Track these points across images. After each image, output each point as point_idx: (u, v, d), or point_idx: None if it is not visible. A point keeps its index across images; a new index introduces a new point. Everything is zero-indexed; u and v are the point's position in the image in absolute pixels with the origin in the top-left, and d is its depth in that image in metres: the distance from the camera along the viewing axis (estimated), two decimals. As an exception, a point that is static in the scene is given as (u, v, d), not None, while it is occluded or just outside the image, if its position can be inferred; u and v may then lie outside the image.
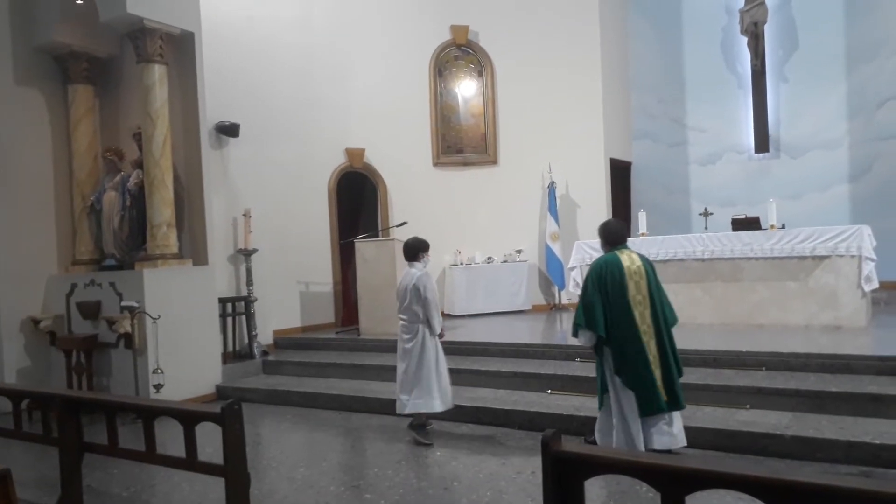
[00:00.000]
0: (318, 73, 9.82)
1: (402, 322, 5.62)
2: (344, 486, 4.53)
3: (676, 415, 4.61)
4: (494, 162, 11.01)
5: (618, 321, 4.53)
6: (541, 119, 10.74)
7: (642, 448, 4.47)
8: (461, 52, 11.06)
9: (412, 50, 10.70)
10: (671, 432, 4.55)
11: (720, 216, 9.84)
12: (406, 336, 5.56)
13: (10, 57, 7.58)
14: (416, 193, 10.41)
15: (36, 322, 7.44)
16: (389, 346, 7.97)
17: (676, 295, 7.85)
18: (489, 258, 10.65)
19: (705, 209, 9.60)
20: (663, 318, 4.63)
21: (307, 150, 9.65)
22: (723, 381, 5.57)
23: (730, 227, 8.32)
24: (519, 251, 10.70)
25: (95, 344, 7.16)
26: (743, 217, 8.34)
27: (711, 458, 4.57)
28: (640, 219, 9.05)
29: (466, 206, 10.81)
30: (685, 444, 4.60)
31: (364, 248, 8.73)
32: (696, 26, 11.89)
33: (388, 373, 7.20)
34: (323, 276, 9.79)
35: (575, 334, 4.70)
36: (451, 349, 7.51)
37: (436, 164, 10.88)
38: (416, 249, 5.67)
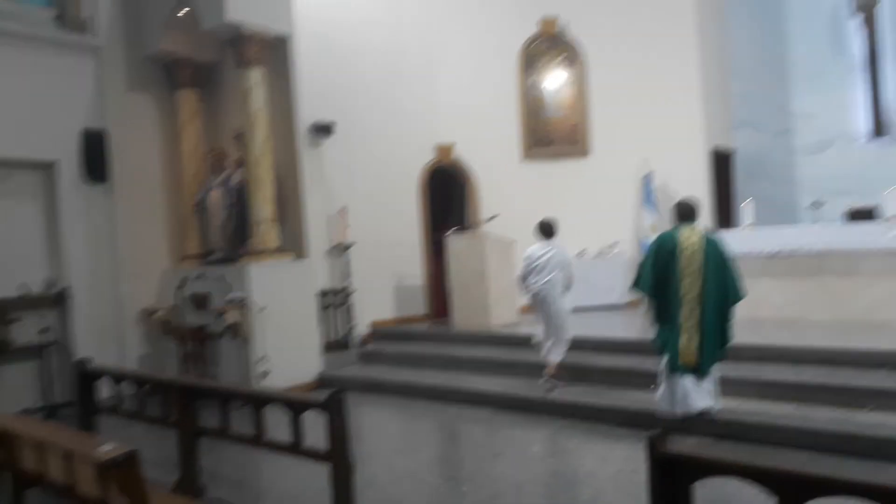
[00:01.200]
0: (407, 71, 9.96)
1: (543, 286, 6.46)
2: (442, 478, 4.62)
3: (710, 379, 5.07)
4: (586, 154, 10.83)
5: (663, 287, 5.12)
6: (634, 108, 10.46)
7: (677, 405, 5.08)
8: (550, 43, 10.94)
9: (500, 44, 10.66)
10: (702, 394, 5.04)
11: (831, 207, 9.28)
12: (551, 297, 6.45)
13: (124, 66, 8.12)
14: (505, 187, 10.38)
15: (152, 313, 7.99)
16: (481, 339, 8.10)
17: (785, 291, 7.57)
18: (582, 252, 10.50)
19: (816, 200, 9.07)
20: (718, 292, 5.00)
21: (398, 147, 9.81)
22: (840, 380, 5.29)
23: (842, 218, 7.85)
24: (613, 245, 10.49)
25: (206, 334, 7.59)
26: (859, 208, 7.85)
27: (831, 463, 4.36)
28: (746, 209, 8.67)
29: (557, 199, 10.65)
30: (716, 407, 5.08)
31: (455, 242, 8.82)
32: (799, 8, 11.23)
33: (481, 365, 7.31)
34: (415, 269, 9.95)
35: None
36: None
37: (525, 158, 10.83)
38: (554, 227, 6.70)
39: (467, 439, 5.62)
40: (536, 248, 6.63)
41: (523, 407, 6.13)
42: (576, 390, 6.23)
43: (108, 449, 2.92)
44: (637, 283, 5.33)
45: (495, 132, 10.56)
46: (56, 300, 7.54)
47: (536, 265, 6.52)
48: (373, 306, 9.31)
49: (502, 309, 8.58)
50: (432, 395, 6.86)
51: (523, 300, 9.26)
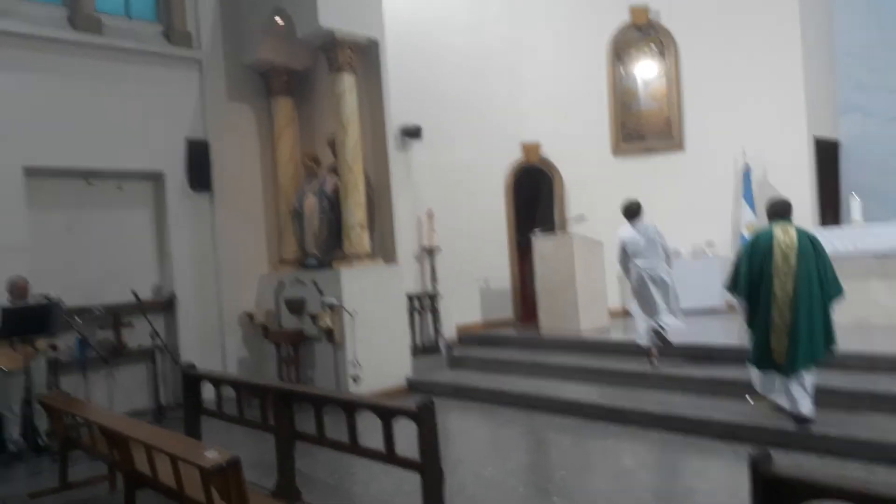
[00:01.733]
0: (491, 71, 9.96)
1: (650, 264, 6.87)
2: (532, 488, 4.60)
3: (805, 382, 4.98)
4: (680, 147, 10.46)
5: (757, 285, 5.10)
6: (732, 98, 9.99)
7: (790, 401, 5.03)
8: (641, 33, 10.62)
9: (587, 37, 10.46)
10: (800, 396, 4.98)
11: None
12: (654, 273, 6.85)
13: (224, 77, 8.55)
14: (593, 185, 10.17)
15: (251, 317, 8.37)
16: (570, 345, 7.98)
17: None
18: (675, 251, 10.14)
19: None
20: (813, 290, 4.92)
21: (484, 148, 9.84)
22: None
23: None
24: (709, 243, 10.09)
25: (301, 338, 7.87)
26: None
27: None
28: (852, 205, 8.12)
29: (649, 195, 10.16)
30: (808, 411, 4.95)
31: (541, 244, 8.72)
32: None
33: (570, 372, 7.21)
34: (501, 272, 9.95)
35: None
36: (635, 351, 7.34)
37: (615, 154, 10.58)
38: (641, 207, 7.01)
39: (556, 449, 5.57)
40: (629, 229, 6.99)
41: (614, 417, 6.01)
42: (670, 400, 6.05)
43: (213, 455, 3.09)
44: (731, 285, 5.35)
45: (583, 128, 10.38)
46: (164, 306, 8.05)
47: (637, 246, 6.88)
48: (460, 309, 9.39)
49: (592, 313, 8.42)
50: (520, 402, 6.83)
51: (612, 302, 9.19)
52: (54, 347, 6.76)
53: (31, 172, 7.14)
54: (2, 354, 6.12)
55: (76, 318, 6.77)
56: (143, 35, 8.11)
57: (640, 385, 6.58)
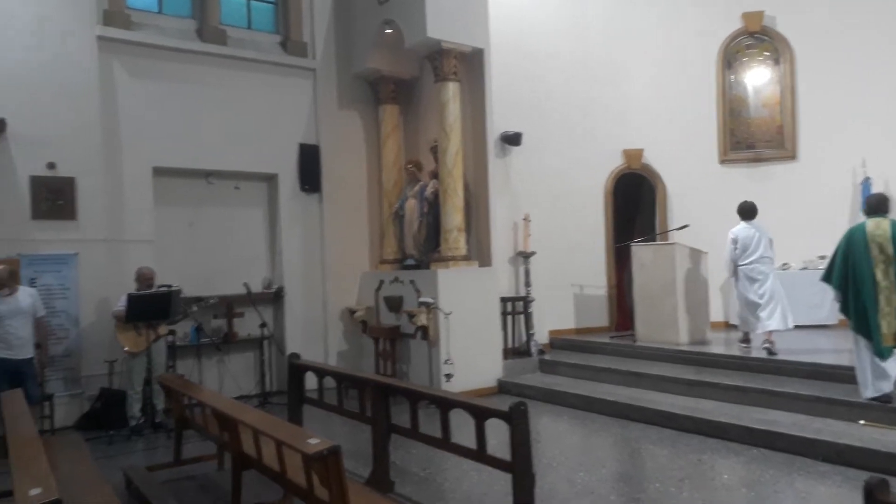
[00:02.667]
0: (593, 77, 9.80)
1: (759, 262, 7.29)
2: (624, 497, 4.49)
3: None
4: (793, 157, 9.89)
5: (855, 277, 5.41)
6: (851, 107, 9.35)
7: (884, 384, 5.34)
8: (754, 39, 10.15)
9: (696, 43, 10.08)
10: None
11: None
12: (764, 274, 7.27)
13: (335, 85, 8.89)
14: (698, 194, 9.79)
15: (352, 312, 8.64)
16: (667, 356, 7.72)
17: None
18: (785, 264, 9.61)
19: None
20: None
21: (583, 154, 9.69)
22: None
23: None
24: (822, 257, 9.45)
25: (398, 334, 8.05)
26: None
27: None
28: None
29: (758, 207, 9.88)
30: None
31: (641, 252, 8.46)
32: None
33: (666, 383, 6.98)
34: (597, 279, 9.76)
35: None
36: (739, 365, 7.04)
37: (722, 162, 10.13)
38: (756, 209, 7.47)
39: (650, 460, 5.39)
40: (744, 227, 7.40)
41: (713, 431, 5.76)
42: (773, 417, 5.73)
43: (315, 442, 3.21)
44: (825, 276, 5.74)
45: (689, 135, 10.02)
46: (273, 298, 8.45)
47: (749, 244, 7.29)
48: (553, 315, 9.29)
49: (692, 325, 8.11)
50: (613, 410, 6.68)
51: (715, 316, 8.81)
52: (173, 333, 7.27)
53: (159, 172, 7.68)
54: (128, 337, 6.61)
55: (193, 306, 7.22)
56: (263, 45, 8.56)
57: (741, 400, 6.28)
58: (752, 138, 10.15)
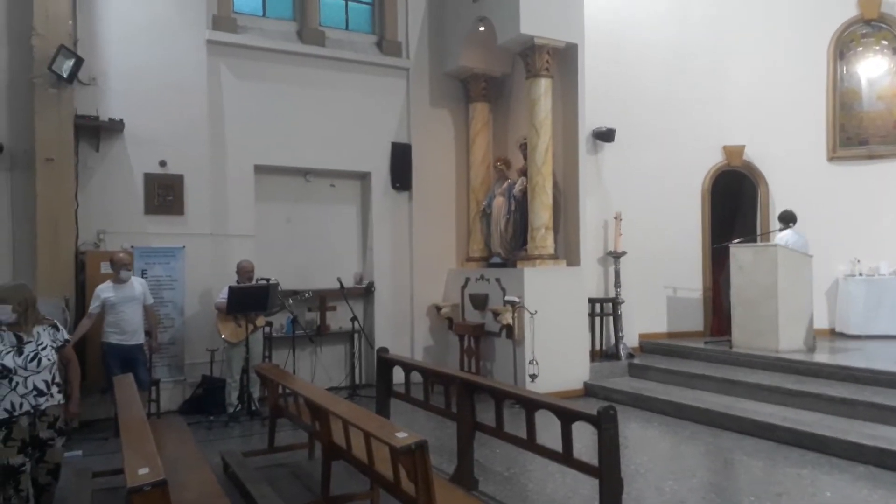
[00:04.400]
0: (691, 69, 9.46)
1: None
2: (715, 510, 4.32)
3: None
4: (913, 153, 9.21)
5: None
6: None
7: None
8: (870, 27, 9.51)
9: (804, 33, 9.56)
10: None
11: None
12: None
13: (428, 83, 9.00)
14: (803, 192, 9.27)
15: (438, 309, 8.73)
16: (764, 363, 7.39)
17: None
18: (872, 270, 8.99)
19: None
20: None
21: (680, 151, 9.38)
22: None
23: None
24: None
25: (483, 332, 8.07)
26: None
27: None
28: None
29: (868, 206, 9.28)
30: None
31: (740, 253, 8.11)
32: None
33: (764, 392, 6.68)
34: (692, 281, 9.44)
35: None
36: (845, 375, 6.67)
37: (831, 159, 9.55)
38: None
39: (745, 472, 5.15)
40: (792, 233, 7.90)
41: (814, 444, 5.45)
42: (883, 433, 5.35)
43: (403, 436, 3.27)
44: None
45: (794, 131, 9.54)
46: (364, 293, 8.65)
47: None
48: (644, 317, 9.08)
49: (793, 332, 7.70)
50: (706, 418, 6.43)
51: (819, 323, 8.33)
52: (270, 324, 7.57)
53: (260, 170, 8.01)
54: (228, 327, 6.94)
55: (289, 299, 7.49)
56: (359, 46, 8.77)
57: (848, 413, 5.91)
58: (864, 133, 9.52)
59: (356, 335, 8.42)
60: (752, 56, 9.57)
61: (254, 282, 7.10)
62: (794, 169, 9.47)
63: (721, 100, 9.54)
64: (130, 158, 7.18)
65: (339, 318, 8.31)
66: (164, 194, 7.31)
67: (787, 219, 8.23)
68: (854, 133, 9.54)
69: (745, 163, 9.62)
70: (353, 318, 8.09)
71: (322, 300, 8.19)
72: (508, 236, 8.37)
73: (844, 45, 9.57)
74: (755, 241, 8.86)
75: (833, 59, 9.56)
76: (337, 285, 7.98)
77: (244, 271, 7.12)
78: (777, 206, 9.43)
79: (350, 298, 8.12)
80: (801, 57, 9.57)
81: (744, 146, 9.56)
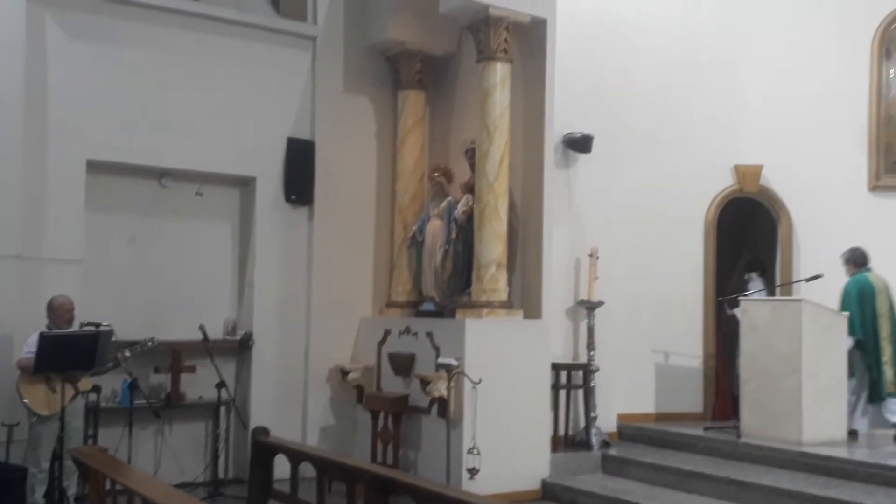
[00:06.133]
0: (696, 64, 9.71)
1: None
2: None
3: None
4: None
5: (866, 328, 8.20)
6: None
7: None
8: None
9: (841, 22, 9.93)
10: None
11: None
12: None
13: (342, 60, 8.93)
14: (837, 229, 9.48)
15: (344, 373, 8.53)
16: (783, 459, 7.55)
17: None
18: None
19: None
20: None
21: (677, 169, 9.57)
22: None
23: None
24: None
25: (406, 407, 7.91)
26: None
27: None
28: None
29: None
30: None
31: (754, 309, 8.29)
32: None
33: (782, 499, 6.77)
34: (689, 344, 9.57)
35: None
36: (887, 479, 6.78)
37: (874, 188, 9.88)
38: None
39: None
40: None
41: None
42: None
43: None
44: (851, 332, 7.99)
45: (827, 150, 9.84)
46: (238, 348, 8.44)
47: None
48: (625, 392, 9.17)
49: (823, 417, 7.83)
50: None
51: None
52: (98, 390, 7.23)
53: (95, 168, 7.76)
54: (36, 393, 6.58)
55: (126, 352, 7.16)
56: (247, 2, 8.67)
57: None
58: (918, 154, 9.93)
59: (223, 409, 8.17)
60: (772, 52, 9.89)
61: (76, 327, 6.81)
62: (824, 199, 9.75)
63: (732, 108, 9.80)
64: None
65: (200, 384, 8.04)
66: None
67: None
68: (903, 155, 9.95)
69: (761, 188, 9.88)
70: (221, 384, 7.82)
71: (176, 357, 7.92)
72: (446, 275, 8.32)
73: (893, 42, 10.02)
74: (774, 293, 9.05)
75: (877, 58, 9.96)
76: (199, 336, 7.74)
77: (61, 311, 6.84)
78: (802, 246, 9.71)
79: (217, 355, 7.86)
80: (835, 54, 9.93)
81: (760, 167, 9.81)
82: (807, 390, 7.74)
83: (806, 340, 7.77)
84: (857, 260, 8.39)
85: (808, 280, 8.51)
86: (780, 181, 9.88)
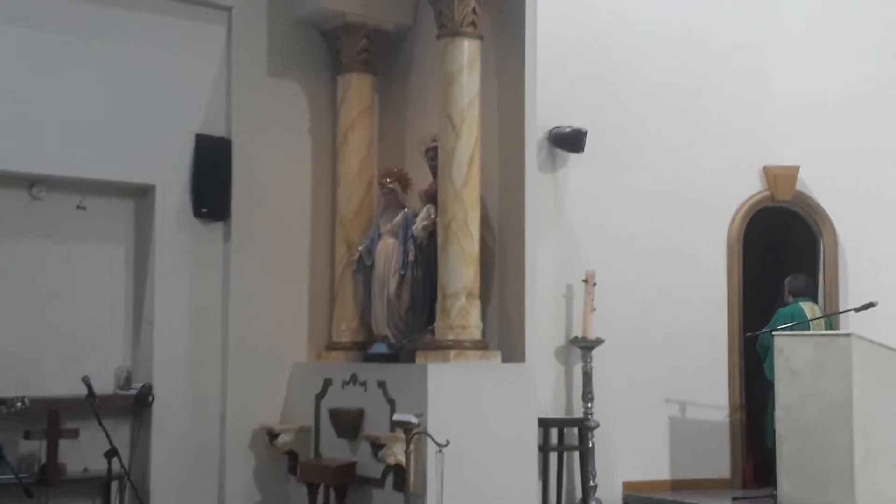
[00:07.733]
0: (714, 47, 9.92)
1: None
2: None
3: None
4: None
5: None
6: None
7: None
8: None
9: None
10: None
11: None
12: None
13: (265, 36, 8.82)
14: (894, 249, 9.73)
15: (273, 436, 8.34)
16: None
17: None
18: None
19: None
20: None
21: (693, 172, 9.74)
22: None
23: None
24: None
25: (352, 477, 7.73)
26: None
27: None
28: None
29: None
30: None
31: (792, 347, 8.26)
32: None
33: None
34: (712, 392, 9.69)
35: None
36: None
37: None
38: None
39: None
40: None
41: None
42: None
43: None
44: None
45: (879, 147, 10.05)
46: (133, 406, 8.21)
47: None
48: (630, 455, 9.25)
49: (882, 478, 7.87)
50: None
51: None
52: (-51, 464, 6.98)
53: (-55, 174, 7.65)
54: None
55: (-10, 414, 7.03)
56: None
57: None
58: None
59: (115, 484, 7.94)
60: (806, 36, 10.14)
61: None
62: (877, 210, 9.93)
63: (760, 98, 10.01)
64: None
65: (85, 453, 7.79)
66: None
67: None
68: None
69: (798, 195, 10.02)
70: (112, 453, 7.50)
71: (53, 418, 7.69)
72: (402, 308, 8.17)
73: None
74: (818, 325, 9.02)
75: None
76: (82, 391, 7.38)
77: None
78: (850, 267, 9.86)
79: (106, 416, 7.55)
80: (884, 34, 10.07)
81: (797, 169, 9.96)
82: (860, 449, 7.75)
83: (857, 387, 7.77)
84: (792, 289, 9.24)
85: (857, 310, 8.58)
86: (820, 186, 10.11)
